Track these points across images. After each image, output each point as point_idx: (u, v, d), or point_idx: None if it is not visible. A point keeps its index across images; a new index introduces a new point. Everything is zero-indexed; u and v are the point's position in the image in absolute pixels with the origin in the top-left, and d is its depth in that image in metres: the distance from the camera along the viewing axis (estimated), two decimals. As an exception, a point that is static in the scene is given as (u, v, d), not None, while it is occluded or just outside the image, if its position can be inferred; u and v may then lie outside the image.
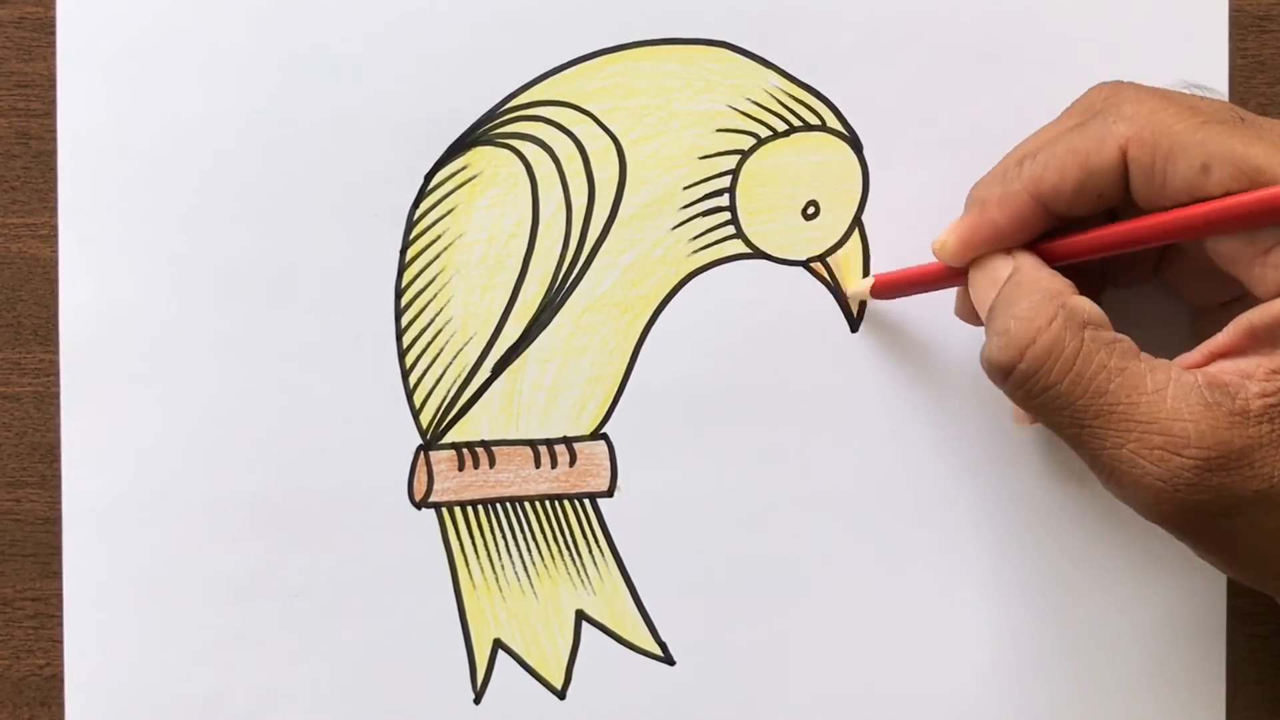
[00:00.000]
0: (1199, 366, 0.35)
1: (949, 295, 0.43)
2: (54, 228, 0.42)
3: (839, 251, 0.43)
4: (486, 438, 0.43)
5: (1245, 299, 0.36)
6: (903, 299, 0.43)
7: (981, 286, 0.38)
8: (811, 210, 0.43)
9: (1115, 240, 0.36)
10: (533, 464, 0.43)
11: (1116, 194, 0.36)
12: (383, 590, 0.42)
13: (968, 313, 0.40)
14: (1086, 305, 0.35)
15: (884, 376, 0.43)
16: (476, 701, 0.43)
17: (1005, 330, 0.35)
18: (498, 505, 0.43)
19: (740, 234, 0.43)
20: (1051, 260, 0.37)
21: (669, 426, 0.43)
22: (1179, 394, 0.34)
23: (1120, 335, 0.35)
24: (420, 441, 0.42)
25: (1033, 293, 0.35)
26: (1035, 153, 0.37)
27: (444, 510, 0.43)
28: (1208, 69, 0.43)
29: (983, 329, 0.37)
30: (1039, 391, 0.35)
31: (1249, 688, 0.44)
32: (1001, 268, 0.37)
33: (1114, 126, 0.35)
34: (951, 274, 0.39)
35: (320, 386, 0.42)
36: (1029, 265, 0.37)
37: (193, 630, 0.42)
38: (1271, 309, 0.34)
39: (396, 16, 0.42)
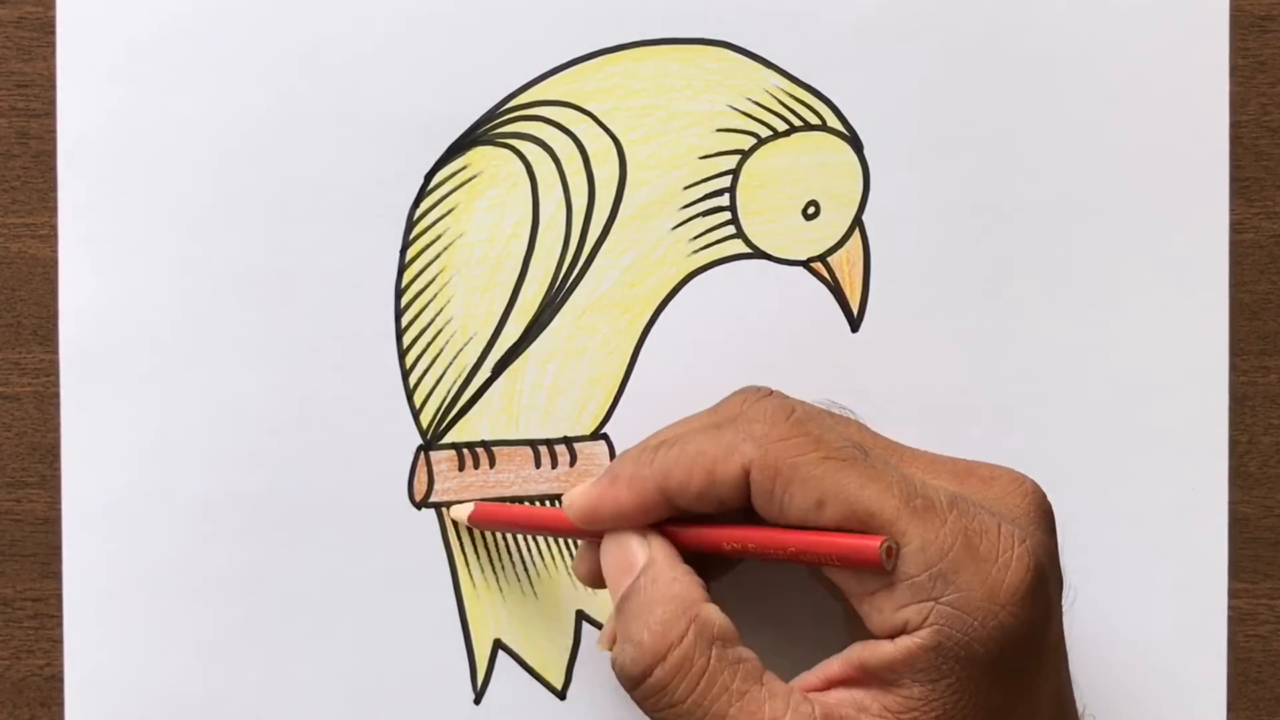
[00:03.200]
0: (819, 690, 0.35)
1: (951, 300, 0.43)
2: (54, 228, 0.42)
3: (839, 251, 0.43)
4: (487, 438, 0.43)
5: None
6: (904, 295, 0.43)
7: (613, 567, 0.37)
8: (812, 210, 0.43)
9: (733, 549, 0.36)
10: (533, 464, 0.43)
11: (739, 506, 0.36)
12: (383, 590, 0.42)
13: (588, 573, 0.39)
14: (717, 618, 0.35)
15: (884, 376, 0.43)
16: (476, 701, 0.43)
17: (640, 640, 0.35)
18: (498, 505, 0.43)
19: (740, 234, 0.43)
20: (678, 544, 0.37)
21: (669, 426, 0.43)
22: None
23: (747, 654, 0.35)
24: (420, 441, 0.42)
25: (667, 601, 0.35)
26: (674, 443, 0.36)
27: (444, 510, 0.43)
28: (1208, 69, 0.43)
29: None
30: (663, 706, 0.34)
31: (1249, 688, 0.44)
32: (637, 553, 0.37)
33: (742, 445, 0.35)
34: (570, 526, 0.38)
35: (320, 386, 0.42)
36: (663, 560, 0.36)
37: (193, 630, 0.42)
38: (880, 650, 0.34)
39: (396, 17, 0.42)
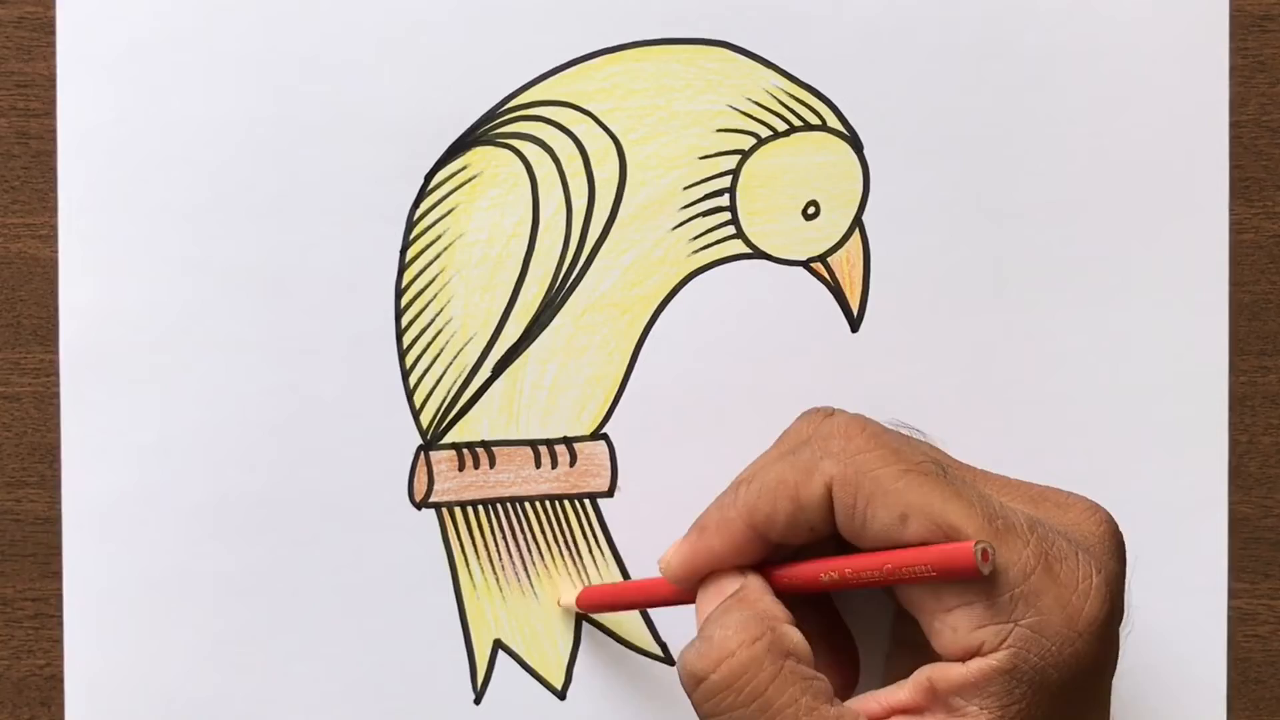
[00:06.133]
0: (880, 719, 0.35)
1: (951, 300, 0.43)
2: (54, 228, 0.42)
3: (839, 251, 0.43)
4: (487, 438, 0.43)
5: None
6: (904, 295, 0.43)
7: (706, 602, 0.37)
8: (812, 210, 0.43)
9: (830, 579, 0.35)
10: (533, 464, 0.43)
11: (827, 528, 0.35)
12: (383, 590, 0.42)
13: None
14: (795, 637, 0.35)
15: (884, 376, 0.43)
16: (476, 702, 0.43)
17: (709, 637, 0.35)
18: (498, 505, 0.43)
19: (740, 234, 0.43)
20: (776, 587, 0.37)
21: (669, 426, 0.43)
22: None
23: (818, 675, 0.35)
24: (420, 441, 0.43)
25: (748, 609, 0.35)
26: (752, 479, 0.36)
27: (444, 510, 0.43)
28: (1208, 69, 0.43)
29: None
30: (724, 709, 0.34)
31: (1249, 688, 0.44)
32: (730, 584, 0.37)
33: (821, 463, 0.35)
34: (674, 592, 0.38)
35: (320, 386, 0.42)
36: (754, 587, 0.36)
37: (193, 630, 0.42)
38: (951, 673, 0.34)
39: (396, 17, 0.42)
